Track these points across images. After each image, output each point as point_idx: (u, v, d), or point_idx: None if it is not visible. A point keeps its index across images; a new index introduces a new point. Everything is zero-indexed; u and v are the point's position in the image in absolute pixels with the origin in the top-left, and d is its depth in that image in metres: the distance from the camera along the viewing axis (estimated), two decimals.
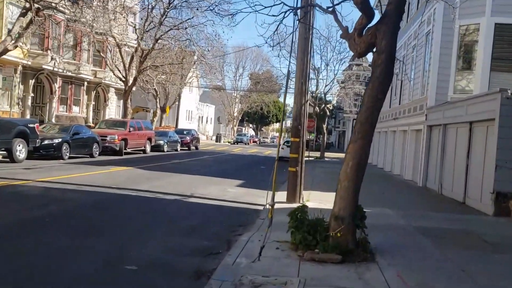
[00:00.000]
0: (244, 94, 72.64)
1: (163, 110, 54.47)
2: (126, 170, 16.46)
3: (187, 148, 34.82)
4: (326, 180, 15.83)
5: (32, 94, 27.17)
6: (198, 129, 69.39)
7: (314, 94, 36.36)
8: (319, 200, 10.74)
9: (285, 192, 10.97)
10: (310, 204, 8.13)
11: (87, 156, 20.56)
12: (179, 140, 33.01)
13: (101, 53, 29.36)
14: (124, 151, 23.73)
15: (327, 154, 46.73)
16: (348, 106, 52.71)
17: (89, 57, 31.80)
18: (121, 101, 40.81)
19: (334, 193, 6.41)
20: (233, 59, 66.89)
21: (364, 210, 6.38)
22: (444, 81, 16.34)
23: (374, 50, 6.38)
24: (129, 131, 24.18)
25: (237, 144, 60.92)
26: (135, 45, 29.16)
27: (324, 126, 36.80)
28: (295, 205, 7.47)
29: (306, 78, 10.70)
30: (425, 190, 15.89)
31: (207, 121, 70.28)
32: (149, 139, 26.89)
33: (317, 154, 37.49)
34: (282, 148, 33.31)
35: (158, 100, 53.32)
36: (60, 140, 18.30)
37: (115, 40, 28.12)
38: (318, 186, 14.24)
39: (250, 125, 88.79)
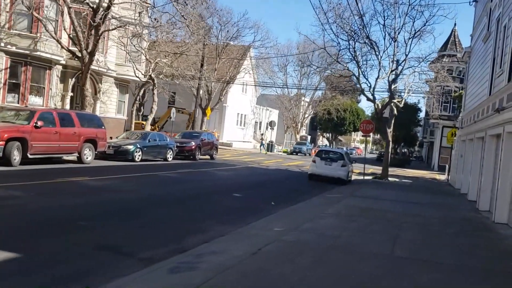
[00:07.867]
0: (316, 99, 61.56)
1: (204, 112, 45.47)
2: None
3: (191, 157, 25.06)
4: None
5: None
6: (254, 136, 59.47)
7: (370, 85, 24.89)
8: None
9: None
10: None
11: None
12: (172, 146, 23.38)
13: (33, 12, 20.35)
14: (30, 156, 14.79)
15: (401, 171, 34.24)
16: (431, 108, 35.59)
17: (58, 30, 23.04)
18: (127, 95, 32.41)
19: None
20: (296, 57, 56.06)
21: None
22: None
23: None
24: (35, 126, 14.90)
25: (295, 154, 49.90)
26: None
27: (389, 130, 24.97)
28: None
29: None
30: None
31: (266, 128, 60.14)
32: (92, 141, 17.43)
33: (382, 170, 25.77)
34: (314, 161, 22.19)
35: (199, 100, 44.17)
36: None
37: None
38: None
39: (325, 135, 76.46)
